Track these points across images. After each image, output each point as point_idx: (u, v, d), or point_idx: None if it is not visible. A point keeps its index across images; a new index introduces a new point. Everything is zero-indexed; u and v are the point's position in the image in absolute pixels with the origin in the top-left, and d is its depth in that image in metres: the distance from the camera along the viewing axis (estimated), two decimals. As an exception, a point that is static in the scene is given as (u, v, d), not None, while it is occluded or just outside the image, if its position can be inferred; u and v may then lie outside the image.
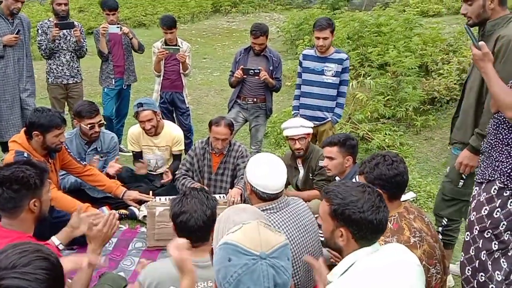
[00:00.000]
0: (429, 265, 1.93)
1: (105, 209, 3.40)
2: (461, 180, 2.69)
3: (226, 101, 5.16)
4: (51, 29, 4.51)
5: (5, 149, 4.15)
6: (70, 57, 4.69)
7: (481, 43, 2.13)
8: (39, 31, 4.59)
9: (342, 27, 7.65)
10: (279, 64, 4.34)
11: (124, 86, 4.94)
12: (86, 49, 4.86)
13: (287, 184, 3.77)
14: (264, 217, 1.68)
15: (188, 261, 1.51)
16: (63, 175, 3.61)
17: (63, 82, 4.71)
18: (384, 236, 1.96)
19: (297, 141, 3.50)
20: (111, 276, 2.33)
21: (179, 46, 4.62)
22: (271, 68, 4.25)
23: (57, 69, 4.66)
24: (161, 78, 4.72)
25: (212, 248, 1.59)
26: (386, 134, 5.38)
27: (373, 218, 1.56)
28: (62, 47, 4.63)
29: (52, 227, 2.85)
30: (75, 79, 4.77)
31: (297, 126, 3.50)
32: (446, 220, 2.83)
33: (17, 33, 4.24)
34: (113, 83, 4.83)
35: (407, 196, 4.14)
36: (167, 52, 4.49)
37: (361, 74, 6.40)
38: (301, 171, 3.66)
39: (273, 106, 4.59)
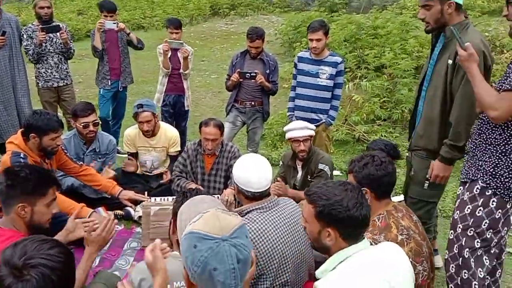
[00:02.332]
0: (416, 262, 1.97)
1: (101, 209, 3.42)
2: (426, 182, 2.69)
3: (223, 103, 5.19)
4: (36, 33, 4.43)
5: (3, 151, 4.18)
6: (58, 60, 4.64)
7: (467, 44, 2.16)
8: (25, 36, 4.48)
9: (340, 29, 7.70)
10: (275, 67, 4.37)
11: (120, 88, 4.94)
12: (74, 50, 4.81)
13: (285, 183, 3.79)
14: (222, 204, 1.79)
15: (159, 259, 1.53)
16: (60, 176, 3.65)
17: (53, 85, 4.67)
18: (372, 234, 2.00)
19: (301, 143, 3.47)
20: (106, 274, 2.35)
21: None
22: (267, 71, 4.28)
23: (46, 72, 4.62)
24: (167, 78, 4.72)
25: (177, 239, 1.65)
26: (382, 135, 5.40)
27: (358, 215, 1.60)
28: (49, 49, 4.57)
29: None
30: (65, 81, 4.74)
31: (302, 128, 3.49)
32: None
33: (2, 35, 4.23)
34: (109, 84, 4.83)
35: (395, 199, 4.17)
36: (169, 44, 4.50)
37: (357, 76, 6.45)
38: (300, 172, 3.68)
39: (270, 108, 4.62)
